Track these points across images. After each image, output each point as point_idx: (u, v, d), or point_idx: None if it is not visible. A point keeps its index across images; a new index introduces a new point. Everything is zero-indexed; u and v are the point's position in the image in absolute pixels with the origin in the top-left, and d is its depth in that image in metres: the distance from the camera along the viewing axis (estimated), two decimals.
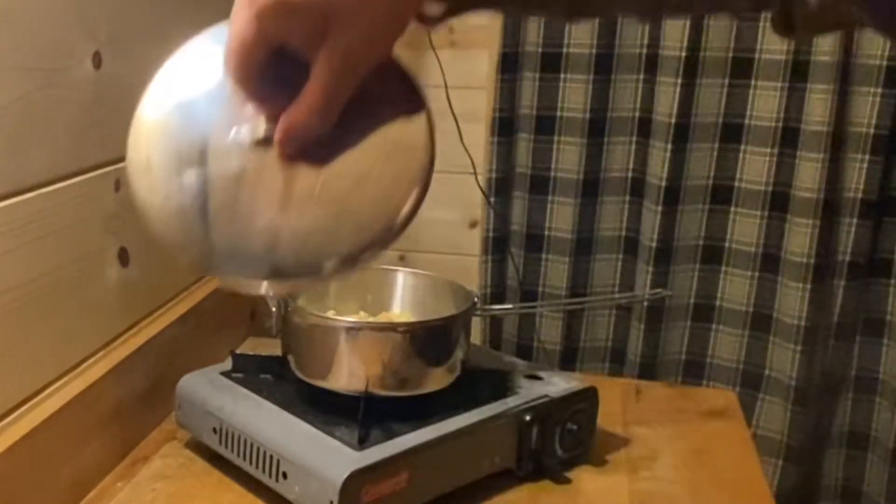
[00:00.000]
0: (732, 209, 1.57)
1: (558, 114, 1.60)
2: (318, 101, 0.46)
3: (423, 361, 0.85)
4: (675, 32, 1.51)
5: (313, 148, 0.47)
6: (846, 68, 1.46)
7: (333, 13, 0.44)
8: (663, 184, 1.54)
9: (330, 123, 0.47)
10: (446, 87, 1.64)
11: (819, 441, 1.62)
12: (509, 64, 1.60)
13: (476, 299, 0.91)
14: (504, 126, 1.63)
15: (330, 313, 0.91)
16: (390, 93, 0.51)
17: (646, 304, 1.60)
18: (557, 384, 0.92)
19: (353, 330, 0.83)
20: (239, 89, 0.49)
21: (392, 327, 0.84)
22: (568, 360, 1.70)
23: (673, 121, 1.52)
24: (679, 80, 1.51)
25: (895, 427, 1.54)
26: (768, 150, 1.51)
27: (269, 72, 0.48)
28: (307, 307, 0.87)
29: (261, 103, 0.49)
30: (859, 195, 1.47)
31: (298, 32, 0.46)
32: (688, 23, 1.49)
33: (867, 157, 1.46)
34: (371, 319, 0.90)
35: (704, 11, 0.54)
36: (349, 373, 0.84)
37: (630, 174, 1.61)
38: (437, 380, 0.87)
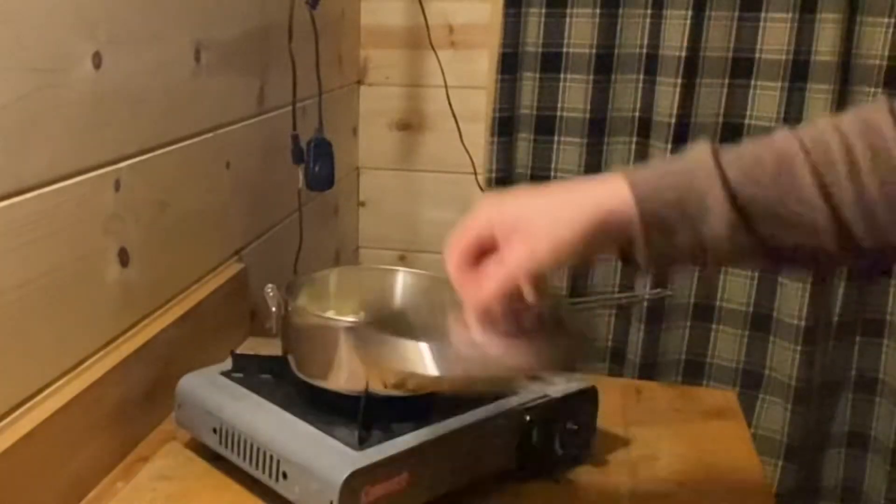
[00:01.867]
0: None
1: (558, 114, 1.60)
2: (500, 281, 0.64)
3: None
4: (675, 33, 1.51)
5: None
6: (846, 68, 1.46)
7: (527, 229, 0.65)
8: None
9: (503, 302, 0.65)
10: (446, 87, 1.64)
11: (819, 441, 1.62)
12: (509, 64, 1.60)
13: None
14: (504, 126, 1.63)
15: (330, 313, 0.91)
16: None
17: (646, 304, 1.60)
18: (557, 384, 0.92)
19: (353, 330, 0.83)
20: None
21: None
22: None
23: (673, 121, 1.52)
24: (679, 81, 1.51)
25: (895, 427, 1.54)
26: None
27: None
28: (307, 307, 0.87)
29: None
30: None
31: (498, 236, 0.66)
32: (688, 23, 1.49)
33: None
34: None
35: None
36: (349, 373, 0.84)
37: None
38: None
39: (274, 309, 0.89)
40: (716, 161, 0.65)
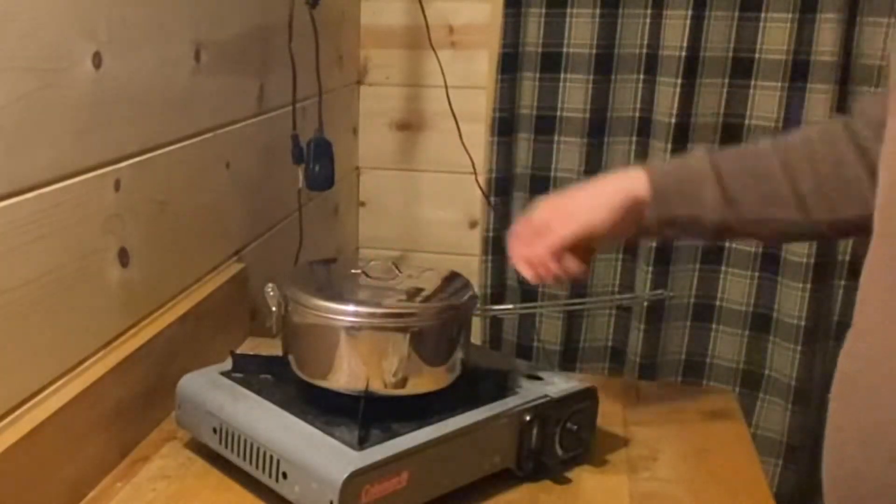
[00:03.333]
0: None
1: (558, 114, 1.60)
2: (549, 247, 0.88)
3: (424, 361, 0.85)
4: (675, 33, 1.51)
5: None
6: (846, 68, 1.46)
7: (574, 209, 0.89)
8: None
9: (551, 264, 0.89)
10: (446, 87, 1.64)
11: (819, 441, 1.62)
12: (509, 64, 1.60)
13: (476, 298, 0.91)
14: (504, 126, 1.63)
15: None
16: None
17: (646, 304, 1.60)
18: (557, 384, 0.92)
19: (353, 329, 0.83)
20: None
21: (392, 326, 0.84)
22: (568, 360, 1.70)
23: (673, 121, 1.52)
24: (679, 80, 1.51)
25: None
26: None
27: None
28: (307, 306, 0.87)
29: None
30: None
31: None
32: (688, 23, 1.49)
33: None
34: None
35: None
36: (349, 372, 0.84)
37: None
38: (438, 379, 0.87)
39: (274, 309, 0.89)
40: (710, 155, 0.88)
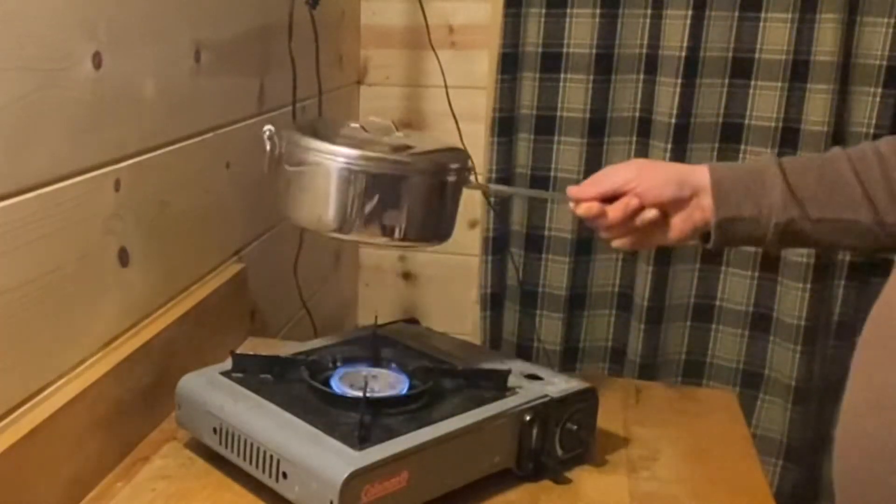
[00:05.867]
0: None
1: (558, 114, 1.60)
2: (611, 219, 0.88)
3: (411, 211, 0.87)
4: (675, 33, 1.51)
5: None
6: (846, 68, 1.46)
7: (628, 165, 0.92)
8: None
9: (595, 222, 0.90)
10: (446, 87, 1.64)
11: (819, 441, 1.62)
12: (509, 64, 1.60)
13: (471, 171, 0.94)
14: (504, 126, 1.63)
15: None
16: None
17: (646, 303, 1.60)
18: (557, 384, 0.92)
19: (344, 170, 0.84)
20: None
21: (387, 164, 0.85)
22: (568, 360, 1.70)
23: (673, 121, 1.52)
24: (679, 80, 1.51)
25: None
26: (768, 150, 1.51)
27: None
28: (301, 146, 0.87)
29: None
30: None
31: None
32: (688, 23, 1.49)
33: None
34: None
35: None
36: (338, 215, 0.85)
37: None
38: (425, 234, 0.89)
39: (268, 149, 0.90)
40: (775, 157, 0.87)
